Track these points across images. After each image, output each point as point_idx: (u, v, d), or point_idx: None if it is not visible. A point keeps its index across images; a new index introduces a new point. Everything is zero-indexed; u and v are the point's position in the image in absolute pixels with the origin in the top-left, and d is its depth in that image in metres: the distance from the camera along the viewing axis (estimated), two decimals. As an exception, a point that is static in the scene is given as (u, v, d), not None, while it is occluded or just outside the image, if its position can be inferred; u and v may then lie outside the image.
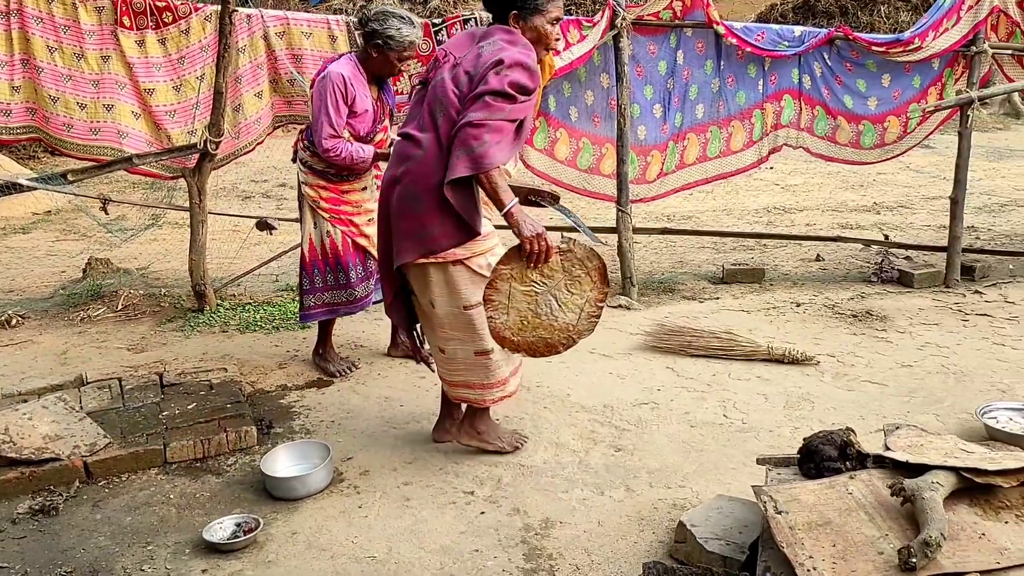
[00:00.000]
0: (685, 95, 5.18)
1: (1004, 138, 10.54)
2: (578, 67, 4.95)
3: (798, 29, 5.11)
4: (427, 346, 3.31)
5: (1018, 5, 4.94)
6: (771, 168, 9.11)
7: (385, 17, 3.69)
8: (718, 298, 5.18)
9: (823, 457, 2.41)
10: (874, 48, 4.98)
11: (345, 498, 3.02)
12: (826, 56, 5.11)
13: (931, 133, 5.39)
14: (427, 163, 2.90)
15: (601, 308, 2.97)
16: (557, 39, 3.08)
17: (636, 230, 5.38)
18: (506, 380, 3.19)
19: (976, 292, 5.12)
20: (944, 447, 2.41)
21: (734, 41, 4.95)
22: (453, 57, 3.02)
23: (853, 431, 2.51)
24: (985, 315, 4.72)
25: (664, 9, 4.96)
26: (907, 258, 5.70)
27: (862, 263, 5.80)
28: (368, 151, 3.78)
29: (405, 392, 3.89)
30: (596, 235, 3.29)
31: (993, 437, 3.23)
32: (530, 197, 3.16)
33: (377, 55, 3.71)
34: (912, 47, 4.92)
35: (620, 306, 5.01)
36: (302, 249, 3.99)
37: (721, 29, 4.93)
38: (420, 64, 4.73)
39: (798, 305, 5.02)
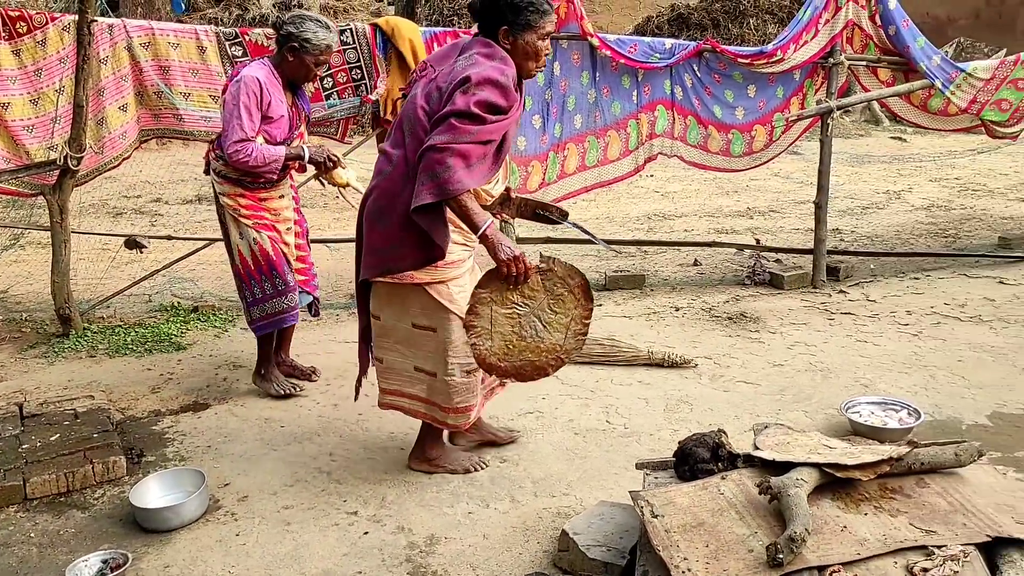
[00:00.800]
0: (563, 106, 5.25)
1: (865, 144, 11.14)
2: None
3: (669, 42, 5.27)
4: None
5: (870, 19, 5.23)
6: (651, 176, 9.35)
7: (302, 20, 3.63)
8: (601, 305, 5.26)
9: (697, 459, 2.48)
10: (740, 60, 5.18)
11: (222, 526, 2.91)
12: (696, 68, 5.29)
13: (795, 141, 5.64)
14: (394, 180, 2.85)
15: (587, 325, 2.91)
16: (547, 54, 2.94)
17: (519, 240, 5.42)
18: (461, 410, 3.08)
19: (841, 292, 5.39)
20: (809, 444, 2.52)
21: (608, 53, 5.06)
22: (432, 70, 2.93)
23: (724, 432, 2.59)
24: (849, 314, 4.97)
25: (540, 21, 5.01)
26: (777, 261, 5.95)
27: (737, 267, 6.02)
28: (279, 151, 3.65)
29: (286, 412, 3.79)
30: (612, 247, 3.26)
31: (856, 431, 3.40)
32: (538, 211, 3.10)
33: (293, 59, 3.65)
34: (775, 59, 5.14)
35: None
36: (235, 264, 3.86)
37: (595, 41, 5.03)
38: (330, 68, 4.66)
39: (677, 309, 5.16)
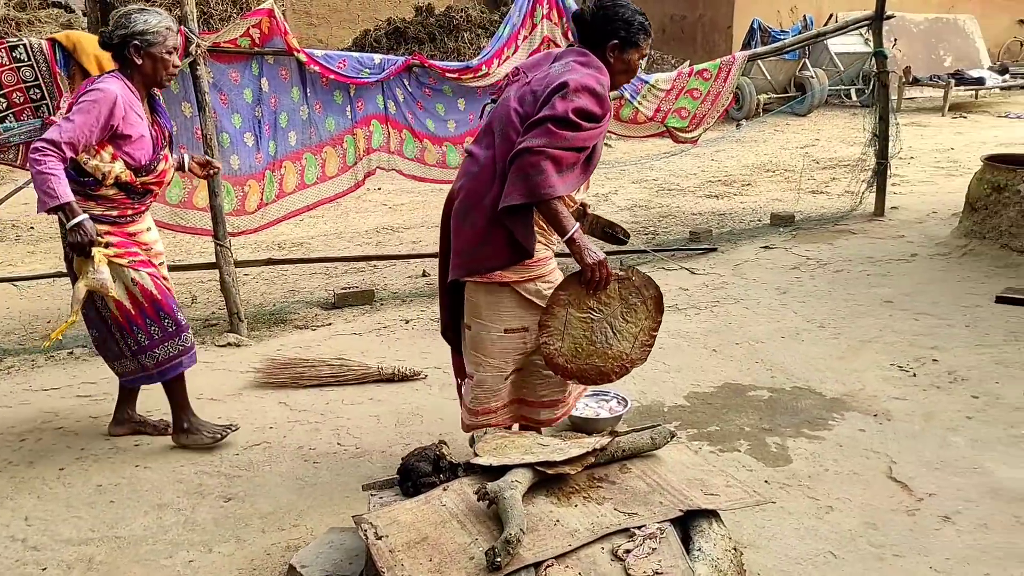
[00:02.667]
0: (276, 123, 5.11)
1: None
2: (157, 96, 4.64)
3: (378, 57, 5.30)
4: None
5: (564, 35, 5.59)
6: (379, 189, 9.38)
7: (127, 17, 3.25)
8: (330, 324, 5.18)
9: (419, 474, 2.50)
10: (448, 75, 5.33)
11: None
12: (407, 82, 5.36)
13: (508, 151, 5.89)
14: (481, 181, 2.83)
15: (654, 337, 2.95)
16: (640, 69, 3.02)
17: (239, 263, 5.20)
18: (554, 403, 3.11)
19: (559, 292, 5.70)
20: (524, 444, 2.62)
21: (317, 69, 4.98)
22: (524, 76, 2.95)
23: (445, 443, 2.64)
24: (567, 312, 5.27)
25: (242, 36, 4.84)
26: (500, 267, 6.18)
27: (463, 275, 6.17)
28: (61, 190, 3.06)
29: (-30, 478, 3.34)
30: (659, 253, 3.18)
31: (574, 424, 3.60)
32: (606, 229, 3.11)
33: (143, 60, 3.26)
34: (481, 73, 5.34)
35: (229, 344, 4.79)
36: (110, 312, 3.34)
37: (302, 57, 4.94)
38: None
39: (407, 321, 5.19)
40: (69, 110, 3.21)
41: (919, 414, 3.69)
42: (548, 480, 2.42)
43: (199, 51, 4.67)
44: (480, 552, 2.15)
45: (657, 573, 2.09)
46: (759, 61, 11.60)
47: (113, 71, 3.34)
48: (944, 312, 4.90)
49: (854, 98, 13.96)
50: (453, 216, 2.94)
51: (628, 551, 2.16)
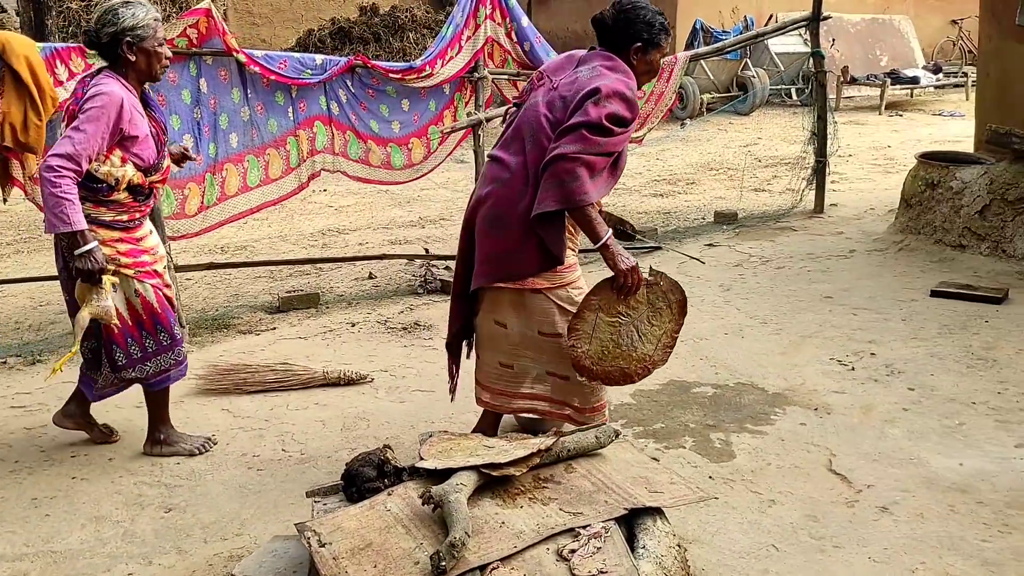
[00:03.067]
0: (216, 125, 5.01)
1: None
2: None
3: (320, 57, 5.24)
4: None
5: (507, 36, 5.60)
6: (324, 191, 9.28)
7: (113, 13, 3.11)
8: (275, 328, 5.11)
9: (363, 479, 2.48)
10: (391, 75, 5.29)
11: None
12: (349, 83, 5.31)
13: (453, 151, 5.89)
14: (512, 187, 2.86)
15: (676, 339, 3.03)
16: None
17: (179, 267, 5.10)
18: (595, 409, 3.10)
19: (506, 292, 5.70)
20: (469, 447, 2.62)
21: (257, 70, 4.91)
22: (549, 80, 2.97)
23: (390, 448, 2.62)
24: (514, 312, 5.27)
25: (179, 36, 4.74)
26: (447, 268, 6.16)
27: (410, 277, 6.13)
28: (75, 217, 2.97)
29: None
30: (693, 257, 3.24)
31: (522, 425, 3.60)
32: (618, 226, 3.01)
33: (136, 56, 3.13)
34: (424, 74, 5.32)
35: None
36: (80, 326, 3.16)
37: (242, 58, 4.86)
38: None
39: (353, 325, 5.15)
40: (71, 119, 3.10)
41: (858, 407, 3.77)
42: (494, 482, 2.41)
43: (134, 52, 4.56)
44: (425, 557, 2.13)
45: (602, 572, 2.10)
46: (702, 61, 11.74)
47: (103, 70, 3.20)
48: (881, 306, 5.02)
49: (795, 97, 14.22)
50: (480, 222, 2.94)
51: (573, 551, 2.17)
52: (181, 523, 3.01)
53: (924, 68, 15.28)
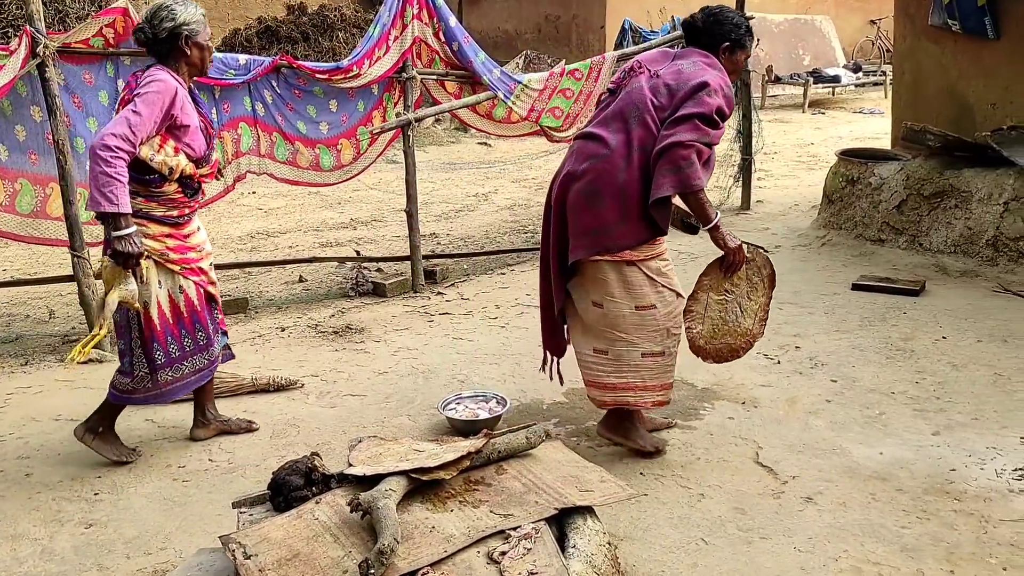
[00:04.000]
0: (135, 127, 4.87)
1: (457, 151, 11.89)
2: (0, 99, 4.36)
3: (243, 57, 5.13)
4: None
5: (435, 36, 5.56)
6: (253, 193, 9.12)
7: (168, 9, 3.23)
8: (201, 335, 4.99)
9: (290, 488, 2.43)
10: (318, 76, 5.21)
11: None
12: (275, 84, 5.22)
13: (383, 152, 5.82)
14: (613, 163, 3.00)
15: (768, 311, 3.26)
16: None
17: (97, 276, 4.93)
18: (668, 386, 3.25)
19: (439, 294, 5.68)
20: (399, 451, 2.59)
21: (178, 70, 4.78)
22: (647, 70, 3.14)
23: (318, 455, 2.57)
24: (447, 314, 5.26)
25: (94, 36, 4.59)
26: (379, 270, 6.11)
27: (342, 279, 6.06)
28: (122, 199, 3.00)
29: None
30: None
31: (454, 427, 3.60)
32: (684, 219, 3.37)
33: (191, 49, 3.28)
34: (352, 74, 5.25)
35: (91, 360, 4.54)
36: (142, 318, 3.27)
37: (160, 58, 4.72)
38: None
39: (283, 329, 5.06)
40: (125, 103, 3.17)
41: (783, 400, 3.86)
42: (424, 486, 2.40)
43: (47, 52, 4.41)
44: (354, 565, 2.11)
45: (532, 573, 2.10)
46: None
47: (154, 65, 3.29)
48: (805, 300, 5.14)
49: (722, 96, 14.47)
50: (577, 196, 3.08)
51: (504, 553, 2.17)
52: (102, 538, 2.92)
53: (845, 67, 15.73)
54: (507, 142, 11.04)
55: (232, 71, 5.01)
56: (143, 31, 3.28)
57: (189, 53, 3.29)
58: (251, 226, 7.92)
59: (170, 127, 3.20)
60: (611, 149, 3.04)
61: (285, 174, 5.46)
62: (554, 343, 3.48)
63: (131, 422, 3.81)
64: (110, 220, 3.05)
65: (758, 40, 14.66)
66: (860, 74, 15.47)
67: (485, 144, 12.22)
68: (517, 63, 14.23)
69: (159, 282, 3.31)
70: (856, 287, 5.29)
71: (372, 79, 5.37)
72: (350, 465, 2.52)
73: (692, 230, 3.49)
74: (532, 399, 3.96)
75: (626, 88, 3.15)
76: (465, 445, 2.53)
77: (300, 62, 5.24)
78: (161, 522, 3.02)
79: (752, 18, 7.12)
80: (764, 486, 3.15)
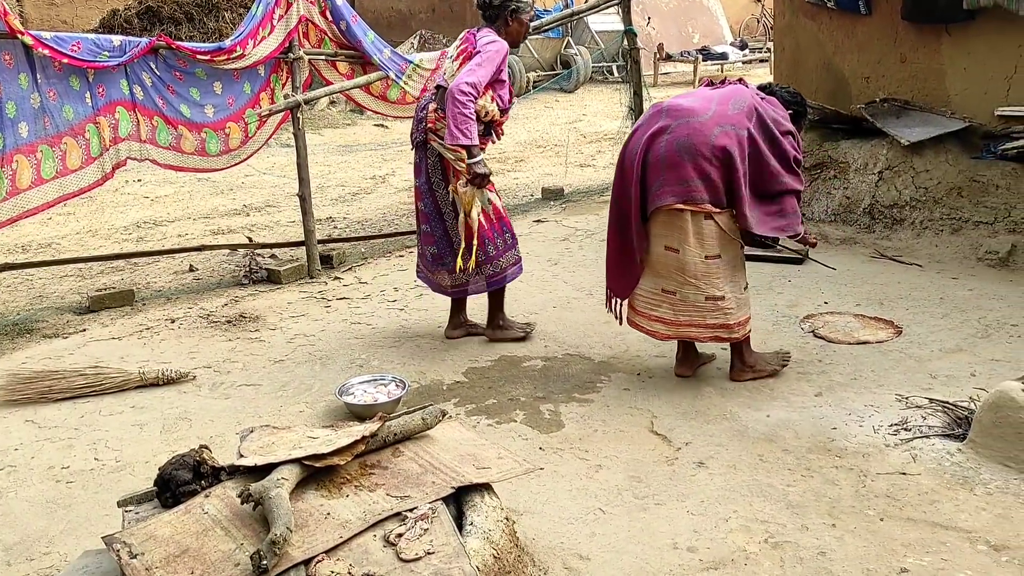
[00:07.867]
0: (2, 113, 4.59)
1: (353, 133, 11.70)
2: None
3: (117, 39, 4.90)
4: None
5: (321, 15, 5.44)
6: (139, 180, 8.77)
7: None
8: (85, 330, 4.78)
9: (178, 483, 2.36)
10: (199, 57, 5.02)
11: None
12: (154, 66, 5.00)
13: (272, 135, 5.67)
14: (708, 125, 3.43)
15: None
16: None
17: None
18: (727, 326, 3.59)
19: (336, 278, 5.59)
20: (292, 440, 2.54)
21: (46, 52, 4.53)
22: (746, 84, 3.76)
23: (207, 447, 2.50)
24: (344, 298, 5.18)
25: None
26: (273, 256, 5.97)
27: (235, 267, 5.90)
28: (473, 135, 3.86)
29: None
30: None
31: (352, 412, 3.56)
32: (761, 238, 3.61)
33: (513, 24, 4.04)
34: (235, 55, 5.09)
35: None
36: (471, 227, 4.02)
37: (28, 39, 4.46)
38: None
39: (173, 321, 4.89)
40: (466, 60, 3.91)
41: (676, 369, 3.96)
42: (318, 473, 2.36)
43: None
44: (246, 557, 2.06)
45: (428, 553, 2.10)
46: (526, 40, 11.90)
47: (484, 27, 4.05)
48: (697, 272, 5.28)
49: (616, 74, 14.69)
50: (672, 149, 3.43)
51: (400, 535, 2.16)
52: (-21, 548, 2.78)
53: (732, 44, 16.18)
54: (404, 123, 10.90)
55: (106, 53, 4.78)
56: (482, 1, 4.04)
57: (510, 26, 4.06)
58: (137, 215, 7.62)
59: (494, 81, 3.94)
60: (709, 115, 3.46)
61: (169, 160, 5.25)
62: (622, 284, 3.76)
63: (8, 423, 3.63)
64: (466, 151, 3.87)
65: (648, 18, 14.94)
66: (747, 51, 15.94)
67: (382, 126, 12.06)
68: (412, 43, 14.06)
69: (475, 196, 4.03)
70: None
71: (257, 60, 5.22)
72: (241, 456, 2.46)
73: (766, 246, 3.82)
74: (432, 380, 3.95)
75: (731, 84, 3.71)
76: (359, 429, 2.51)
77: (180, 43, 5.04)
78: (44, 526, 2.89)
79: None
80: (659, 454, 3.23)
